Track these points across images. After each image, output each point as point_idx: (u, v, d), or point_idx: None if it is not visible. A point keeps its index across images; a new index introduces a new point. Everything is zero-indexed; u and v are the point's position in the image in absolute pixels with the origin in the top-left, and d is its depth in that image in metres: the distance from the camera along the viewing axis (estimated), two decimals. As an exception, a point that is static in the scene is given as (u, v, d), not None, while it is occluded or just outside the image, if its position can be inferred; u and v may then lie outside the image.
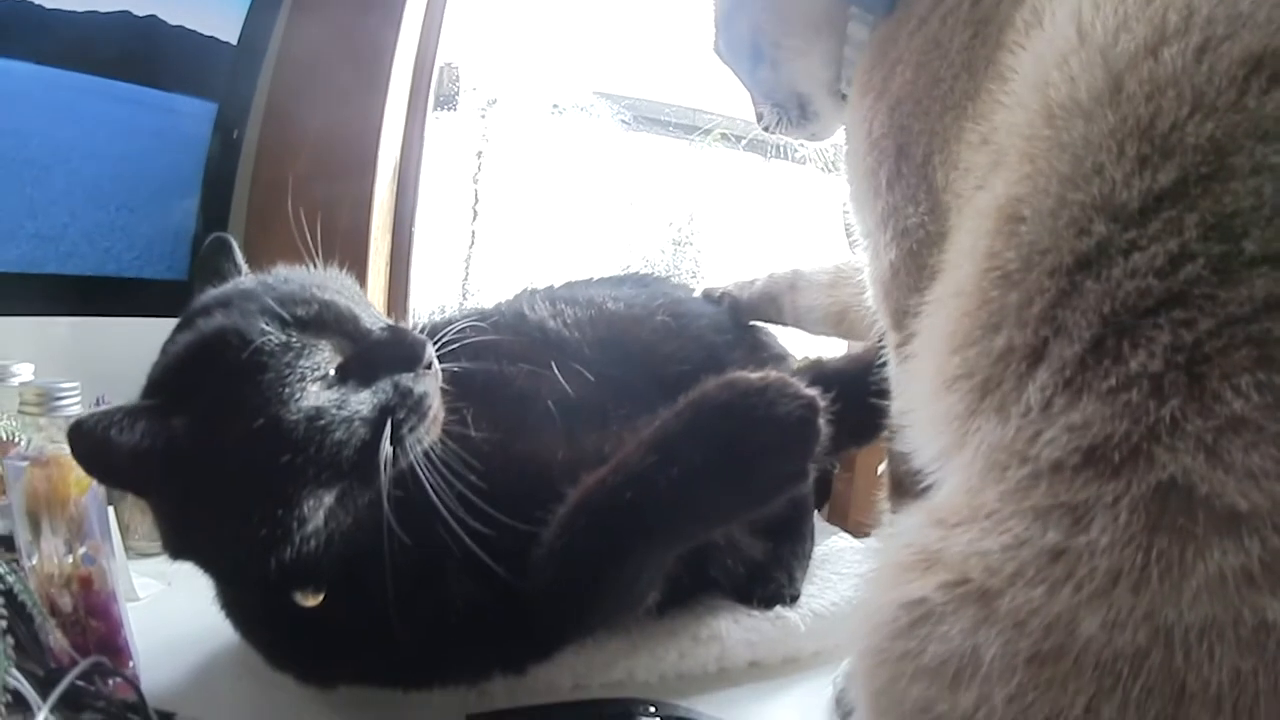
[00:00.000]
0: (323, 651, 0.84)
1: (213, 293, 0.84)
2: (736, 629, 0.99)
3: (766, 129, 1.08)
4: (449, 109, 1.79)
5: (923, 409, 0.68)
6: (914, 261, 0.77)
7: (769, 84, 1.03)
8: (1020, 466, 0.56)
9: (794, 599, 1.05)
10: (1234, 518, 0.48)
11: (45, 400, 0.88)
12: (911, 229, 0.76)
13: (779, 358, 1.23)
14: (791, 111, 1.04)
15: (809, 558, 1.14)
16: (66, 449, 0.86)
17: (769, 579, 1.06)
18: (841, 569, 1.15)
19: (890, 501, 0.93)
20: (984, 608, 0.52)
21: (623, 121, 1.95)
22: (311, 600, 0.78)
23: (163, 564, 1.01)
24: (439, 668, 0.86)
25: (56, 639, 0.82)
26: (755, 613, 1.02)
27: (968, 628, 0.53)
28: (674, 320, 1.12)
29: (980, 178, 0.67)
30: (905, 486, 0.83)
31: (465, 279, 1.85)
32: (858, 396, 0.93)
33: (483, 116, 1.88)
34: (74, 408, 0.89)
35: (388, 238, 1.61)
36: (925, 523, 0.60)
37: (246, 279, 0.89)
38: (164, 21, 1.39)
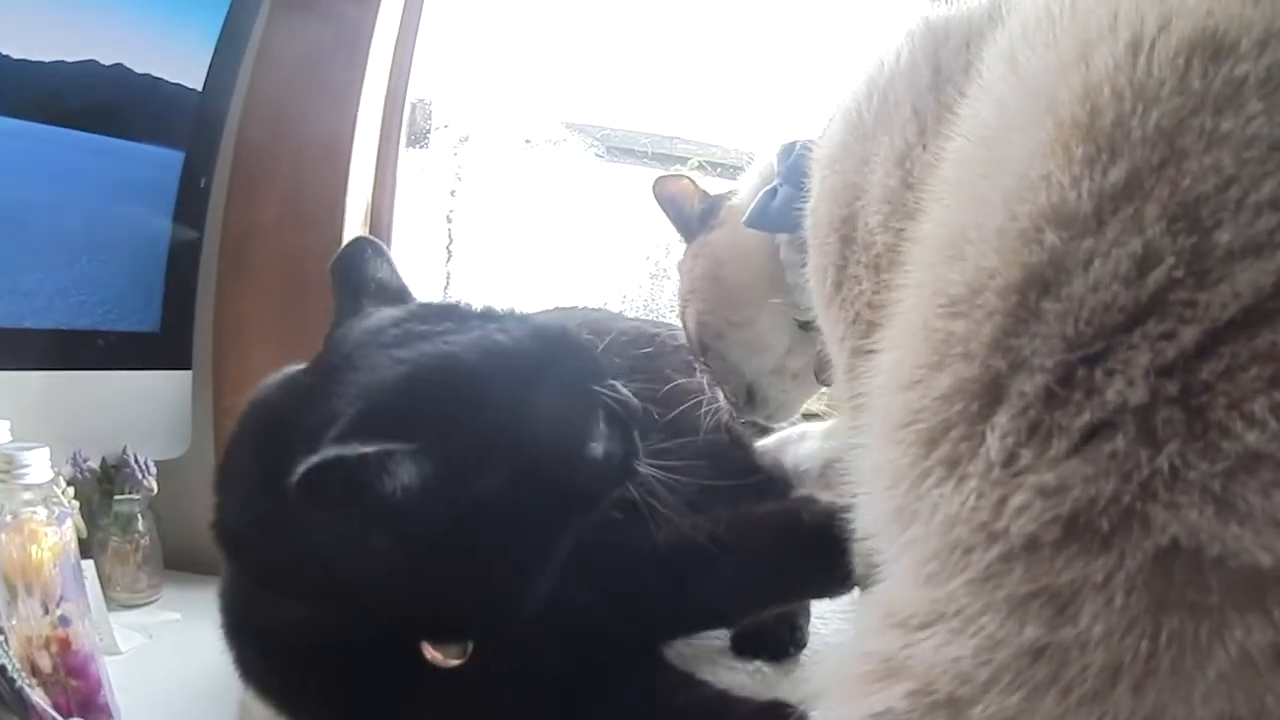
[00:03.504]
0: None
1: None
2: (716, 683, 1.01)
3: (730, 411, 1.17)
4: (421, 147, 1.83)
5: (870, 461, 0.62)
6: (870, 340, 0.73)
7: (721, 372, 1.14)
8: (989, 546, 0.49)
9: (800, 647, 1.09)
10: (1258, 580, 0.41)
11: (12, 466, 0.91)
12: (863, 311, 0.75)
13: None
14: (740, 397, 1.14)
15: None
16: (38, 513, 0.90)
17: (775, 632, 1.09)
18: (824, 612, 1.18)
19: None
20: (954, 716, 0.48)
21: (596, 154, 1.98)
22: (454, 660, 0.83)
23: (144, 616, 1.04)
24: None
25: (39, 699, 0.85)
26: (736, 664, 1.06)
27: None
28: (597, 338, 1.11)
29: (927, 207, 0.65)
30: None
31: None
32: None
33: (455, 154, 1.92)
34: (42, 473, 0.93)
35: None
36: (884, 624, 0.54)
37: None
38: (131, 70, 1.42)
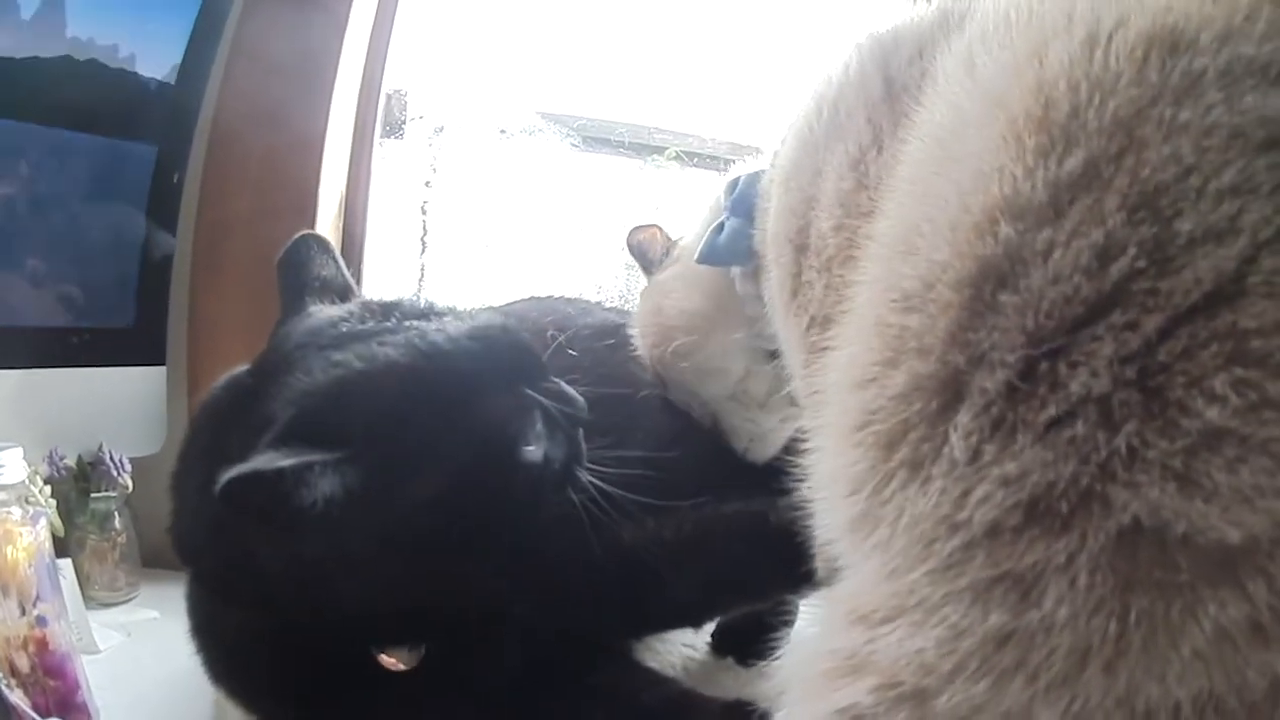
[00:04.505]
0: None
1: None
2: (687, 680, 1.02)
3: None
4: (396, 137, 1.83)
5: (827, 465, 0.61)
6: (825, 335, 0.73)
7: (685, 402, 1.13)
8: (950, 536, 0.49)
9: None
10: (1227, 555, 0.41)
11: (-16, 466, 0.93)
12: (816, 314, 0.75)
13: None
14: (709, 425, 1.13)
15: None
16: (12, 513, 0.92)
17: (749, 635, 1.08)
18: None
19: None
20: (919, 707, 0.48)
21: (572, 144, 1.99)
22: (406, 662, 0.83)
23: (123, 614, 1.05)
24: None
25: (18, 699, 0.86)
26: (705, 657, 1.07)
27: None
28: (560, 334, 1.11)
29: (882, 206, 0.65)
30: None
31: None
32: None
33: (430, 145, 1.92)
34: (16, 472, 0.94)
35: (335, 276, 1.63)
36: (846, 620, 0.54)
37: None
38: (105, 65, 1.42)
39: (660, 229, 1.24)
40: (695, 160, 2.02)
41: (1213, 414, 0.42)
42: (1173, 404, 0.43)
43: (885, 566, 0.53)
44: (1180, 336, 0.44)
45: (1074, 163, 0.48)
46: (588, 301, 1.41)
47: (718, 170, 2.03)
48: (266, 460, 0.70)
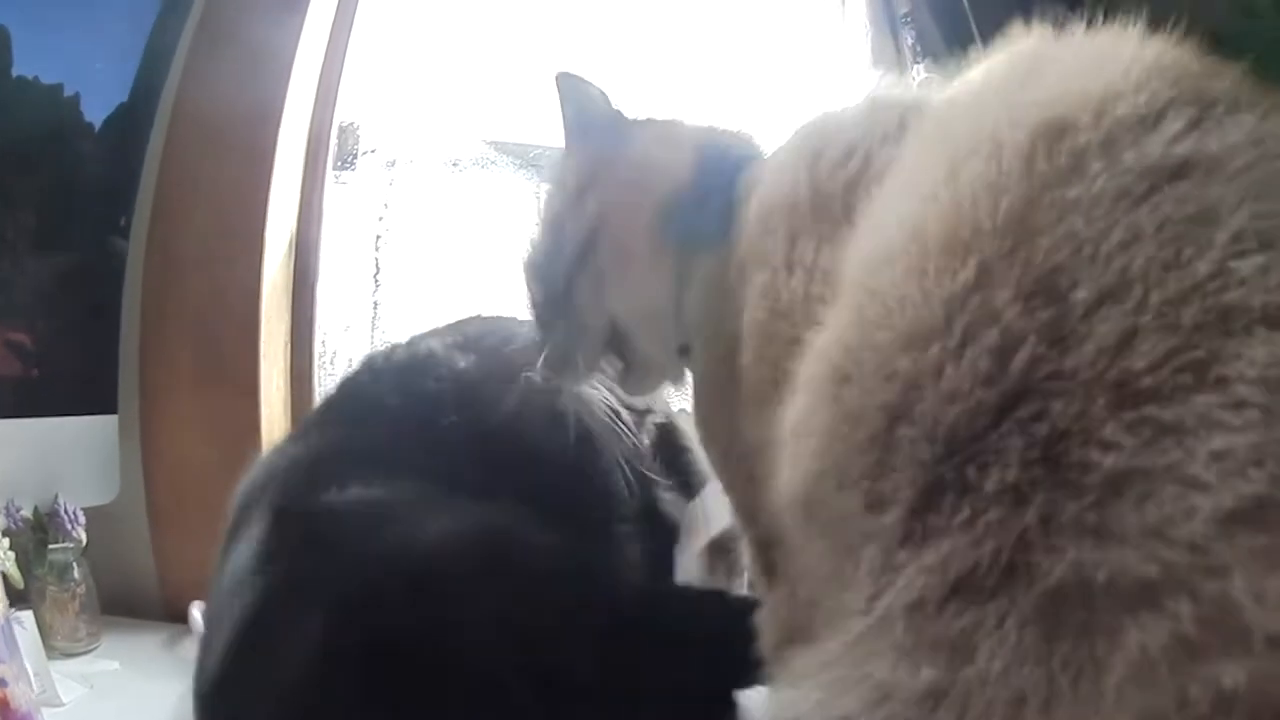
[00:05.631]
0: None
1: None
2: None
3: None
4: (348, 169, 1.83)
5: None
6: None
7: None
8: (863, 617, 0.51)
9: None
10: (1149, 588, 0.42)
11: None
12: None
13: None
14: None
15: None
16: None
17: None
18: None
19: None
20: None
21: (526, 177, 1.99)
22: None
23: (85, 665, 1.06)
24: None
25: (-17, 755, 0.88)
26: None
27: None
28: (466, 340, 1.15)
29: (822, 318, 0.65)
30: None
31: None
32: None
33: (382, 178, 1.92)
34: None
35: (285, 318, 1.65)
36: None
37: None
38: (50, 106, 1.45)
39: None
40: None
41: (1110, 461, 0.44)
42: (1075, 465, 0.45)
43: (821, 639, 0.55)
44: (1076, 399, 0.46)
45: (967, 272, 0.50)
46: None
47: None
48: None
